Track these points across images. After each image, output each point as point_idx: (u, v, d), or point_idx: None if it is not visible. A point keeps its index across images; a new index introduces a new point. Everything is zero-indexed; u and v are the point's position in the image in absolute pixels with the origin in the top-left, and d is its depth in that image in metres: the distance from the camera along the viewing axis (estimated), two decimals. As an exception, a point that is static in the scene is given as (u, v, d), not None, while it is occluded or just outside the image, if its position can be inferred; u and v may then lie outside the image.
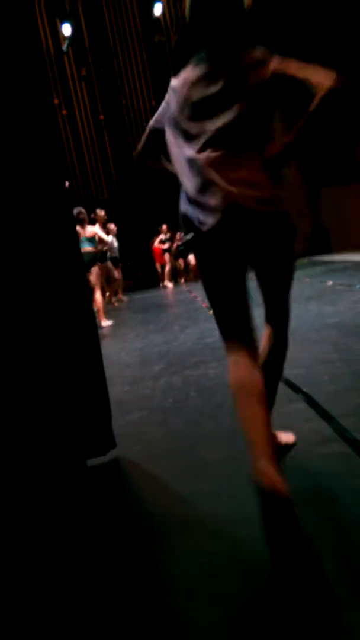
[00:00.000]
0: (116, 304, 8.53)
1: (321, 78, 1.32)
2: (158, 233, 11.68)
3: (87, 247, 5.97)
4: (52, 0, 11.43)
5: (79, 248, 1.73)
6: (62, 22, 12.21)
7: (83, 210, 5.98)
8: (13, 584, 1.19)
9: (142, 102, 14.61)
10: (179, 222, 1.33)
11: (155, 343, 4.08)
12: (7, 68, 1.44)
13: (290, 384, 2.14)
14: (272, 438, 1.19)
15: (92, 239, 6.08)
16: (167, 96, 1.49)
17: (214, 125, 1.30)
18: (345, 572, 0.98)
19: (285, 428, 1.71)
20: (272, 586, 0.99)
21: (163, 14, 13.36)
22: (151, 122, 1.55)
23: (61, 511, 1.49)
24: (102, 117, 14.27)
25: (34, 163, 1.52)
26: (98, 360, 1.73)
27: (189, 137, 1.35)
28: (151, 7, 12.57)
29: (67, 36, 12.42)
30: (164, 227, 11.39)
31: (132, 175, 13.08)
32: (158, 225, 11.51)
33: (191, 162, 1.30)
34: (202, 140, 1.30)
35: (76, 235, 1.70)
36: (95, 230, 6.19)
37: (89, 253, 6.03)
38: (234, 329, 1.32)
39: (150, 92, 14.56)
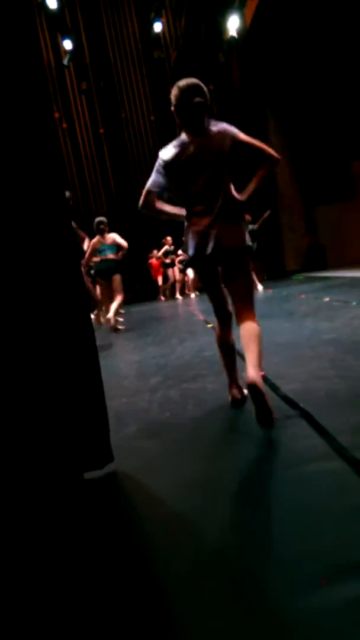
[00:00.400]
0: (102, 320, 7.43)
1: (272, 151, 2.08)
2: (158, 246, 11.73)
3: (108, 255, 6.09)
4: (54, 16, 11.60)
5: (78, 260, 1.74)
6: (63, 38, 12.40)
7: (104, 219, 6.11)
8: (12, 590, 1.19)
9: (141, 116, 14.78)
10: (183, 247, 2.21)
11: (153, 355, 4.09)
12: (9, 81, 1.47)
13: (287, 400, 2.15)
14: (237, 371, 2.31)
15: (112, 246, 6.17)
16: (157, 165, 2.13)
17: (195, 188, 2.06)
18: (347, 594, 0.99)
19: (282, 444, 1.72)
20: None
21: (162, 31, 13.61)
22: (148, 185, 2.12)
23: (57, 525, 1.49)
24: (102, 130, 14.42)
25: (35, 175, 1.54)
26: (96, 373, 1.74)
27: (183, 198, 2.12)
28: (151, 24, 12.80)
29: (68, 51, 12.60)
30: (169, 239, 11.27)
31: (131, 189, 13.20)
32: (156, 238, 11.57)
33: (190, 220, 2.11)
34: (192, 201, 2.09)
35: (76, 247, 1.71)
36: (113, 236, 6.21)
37: (110, 260, 6.03)
38: (218, 308, 2.27)
39: (150, 107, 14.75)
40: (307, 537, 1.17)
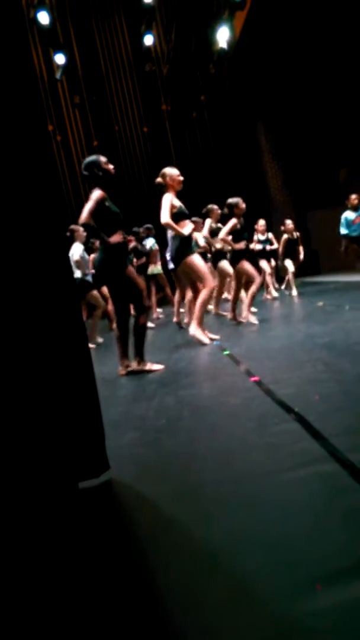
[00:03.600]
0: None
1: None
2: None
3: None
4: (46, 32, 11.73)
5: (71, 269, 1.75)
6: (55, 52, 12.53)
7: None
8: (9, 600, 1.19)
9: (134, 129, 14.91)
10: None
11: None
12: (2, 95, 1.50)
13: (281, 404, 2.17)
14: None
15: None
16: None
17: None
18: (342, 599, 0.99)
19: (277, 448, 1.73)
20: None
21: (153, 44, 13.78)
22: None
23: (52, 534, 1.49)
24: (95, 143, 14.53)
25: (30, 186, 1.56)
26: (91, 380, 1.74)
27: None
28: (142, 38, 12.96)
29: (61, 65, 12.73)
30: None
31: (125, 199, 13.27)
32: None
33: None
34: None
35: (67, 258, 1.73)
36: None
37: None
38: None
39: (142, 119, 14.88)
40: (304, 541, 1.18)
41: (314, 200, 11.73)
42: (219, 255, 6.55)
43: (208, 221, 6.64)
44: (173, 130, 14.90)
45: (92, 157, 3.64)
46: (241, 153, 13.85)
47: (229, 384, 2.84)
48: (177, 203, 4.38)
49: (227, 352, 3.82)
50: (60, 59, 12.56)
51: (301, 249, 8.23)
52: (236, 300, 5.63)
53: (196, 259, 4.43)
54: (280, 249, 8.15)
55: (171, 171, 4.41)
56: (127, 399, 3.01)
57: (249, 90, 12.61)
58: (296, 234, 8.16)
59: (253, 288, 5.35)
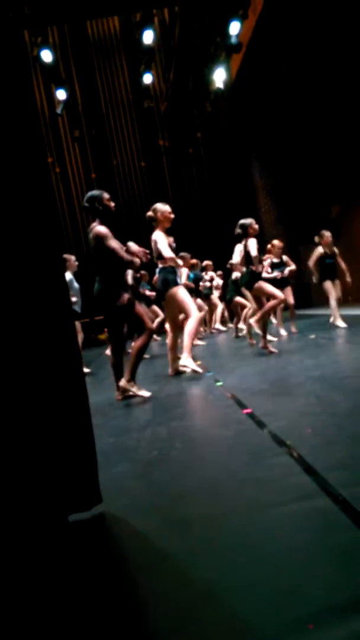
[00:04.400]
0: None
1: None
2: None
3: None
4: (49, 68, 12.15)
5: (68, 295, 1.77)
6: (57, 88, 12.94)
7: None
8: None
9: (132, 163, 15.28)
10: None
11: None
12: (5, 129, 1.55)
13: (274, 436, 2.16)
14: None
15: None
16: None
17: None
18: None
19: (269, 482, 1.72)
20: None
21: (152, 82, 14.28)
22: None
23: (40, 569, 1.45)
24: (93, 175, 14.86)
25: (29, 215, 1.60)
26: (85, 411, 1.73)
27: None
28: (141, 76, 13.44)
29: (62, 100, 13.12)
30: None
31: (122, 232, 13.46)
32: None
33: None
34: None
35: (65, 283, 1.75)
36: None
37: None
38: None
39: (140, 154, 15.28)
40: (296, 577, 1.16)
41: (306, 235, 11.96)
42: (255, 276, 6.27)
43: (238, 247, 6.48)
44: (170, 166, 15.29)
45: (97, 192, 3.79)
46: (236, 189, 14.20)
47: (222, 416, 2.83)
48: (167, 239, 4.54)
49: (220, 383, 3.81)
50: (61, 94, 12.97)
51: (343, 265, 6.48)
52: (265, 326, 5.16)
53: (181, 291, 4.50)
54: (312, 264, 6.50)
55: (163, 207, 4.53)
56: (118, 429, 2.98)
57: (244, 128, 13.03)
58: (335, 249, 6.50)
59: (273, 302, 5.04)
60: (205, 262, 9.72)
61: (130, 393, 3.73)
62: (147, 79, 13.48)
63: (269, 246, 6.80)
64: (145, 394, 3.72)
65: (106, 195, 3.77)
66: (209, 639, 1.03)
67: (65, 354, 1.66)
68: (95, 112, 15.08)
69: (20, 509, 1.56)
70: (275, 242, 6.79)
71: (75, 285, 6.35)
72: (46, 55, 11.50)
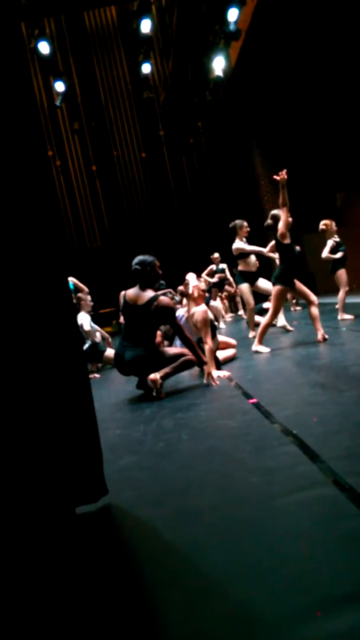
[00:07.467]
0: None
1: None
2: None
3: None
4: (46, 60, 12.04)
5: (70, 295, 1.77)
6: (55, 80, 12.83)
7: None
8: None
9: (132, 154, 15.18)
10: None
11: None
12: (4, 122, 1.53)
13: (280, 426, 2.16)
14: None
15: None
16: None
17: None
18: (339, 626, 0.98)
19: (276, 471, 1.72)
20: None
21: (151, 72, 14.14)
22: None
23: (48, 561, 1.47)
24: (94, 167, 14.79)
25: (30, 209, 1.59)
26: (89, 404, 1.74)
27: None
28: (140, 66, 13.30)
29: (61, 92, 13.02)
30: (216, 255, 9.87)
31: (124, 223, 13.43)
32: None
33: None
34: None
35: (67, 282, 1.74)
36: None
37: None
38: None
39: (140, 145, 15.17)
40: (303, 566, 1.17)
41: (309, 223, 11.88)
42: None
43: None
44: (170, 156, 15.19)
45: (149, 258, 3.74)
46: (238, 178, 14.09)
47: (227, 407, 2.83)
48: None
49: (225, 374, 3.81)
50: (60, 86, 12.86)
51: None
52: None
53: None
54: (326, 255, 6.10)
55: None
56: (124, 421, 2.99)
57: (245, 116, 12.89)
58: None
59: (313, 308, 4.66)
60: (215, 255, 9.85)
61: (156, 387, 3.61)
62: (146, 68, 13.34)
63: (322, 227, 6.18)
64: (160, 395, 3.61)
65: (158, 263, 3.76)
66: (217, 626, 1.03)
67: (68, 350, 1.66)
68: (94, 104, 14.97)
69: (28, 502, 1.57)
70: (327, 221, 6.18)
71: (95, 325, 6.01)
72: (44, 47, 11.38)
